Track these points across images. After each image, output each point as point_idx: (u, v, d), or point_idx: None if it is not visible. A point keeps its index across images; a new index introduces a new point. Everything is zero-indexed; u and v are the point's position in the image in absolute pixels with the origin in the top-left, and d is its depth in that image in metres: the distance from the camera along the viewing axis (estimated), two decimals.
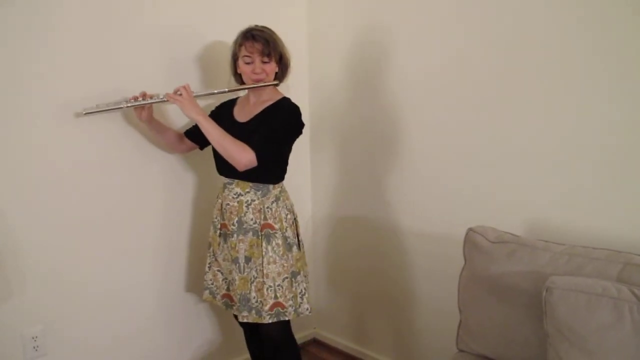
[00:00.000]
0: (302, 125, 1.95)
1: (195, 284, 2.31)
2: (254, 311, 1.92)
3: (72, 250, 1.95)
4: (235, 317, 2.12)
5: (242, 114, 2.00)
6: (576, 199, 1.79)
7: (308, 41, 2.65)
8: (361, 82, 2.45)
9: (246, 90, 2.06)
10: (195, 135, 2.06)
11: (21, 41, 1.77)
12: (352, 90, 2.50)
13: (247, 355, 2.30)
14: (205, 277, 2.11)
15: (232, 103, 2.09)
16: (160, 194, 2.19)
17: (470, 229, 1.76)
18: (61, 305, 1.94)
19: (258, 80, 1.93)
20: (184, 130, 2.13)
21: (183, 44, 2.18)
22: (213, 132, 1.83)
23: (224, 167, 1.94)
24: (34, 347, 1.88)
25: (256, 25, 1.93)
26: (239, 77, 2.00)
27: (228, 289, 2.05)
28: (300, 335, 2.75)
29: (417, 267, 2.32)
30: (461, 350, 1.77)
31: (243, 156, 1.81)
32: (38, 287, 1.88)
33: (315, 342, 2.87)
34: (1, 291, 1.80)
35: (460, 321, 1.78)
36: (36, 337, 1.88)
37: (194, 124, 2.06)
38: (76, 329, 1.98)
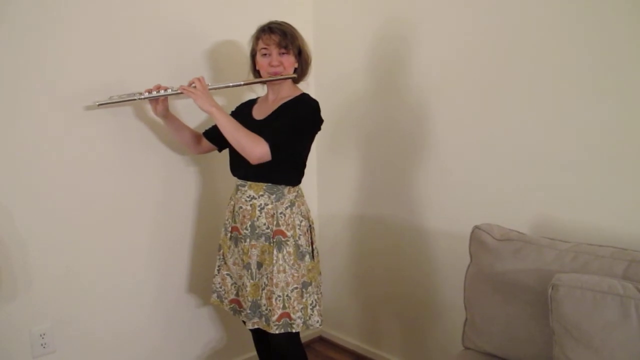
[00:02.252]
0: (320, 120, 1.89)
1: (198, 284, 2.32)
2: (263, 318, 1.88)
3: (79, 247, 1.96)
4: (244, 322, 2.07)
5: (260, 112, 1.95)
6: (582, 197, 1.79)
7: (313, 39, 2.65)
8: (367, 80, 2.45)
9: (265, 89, 2.02)
10: (213, 136, 2.04)
11: (28, 37, 1.77)
12: (358, 88, 2.50)
13: (252, 353, 2.30)
14: (213, 280, 2.06)
15: (252, 103, 2.05)
16: (164, 193, 2.19)
17: (476, 227, 1.76)
18: (70, 303, 1.95)
19: (275, 74, 1.87)
20: (202, 130, 2.11)
21: (189, 43, 2.19)
22: (226, 124, 1.77)
23: (238, 168, 1.91)
24: (42, 345, 1.89)
25: (275, 20, 1.90)
26: (257, 74, 1.96)
27: (237, 294, 2.00)
28: (306, 333, 2.76)
29: (424, 265, 2.32)
30: (467, 348, 1.78)
31: (256, 148, 1.74)
32: (45, 285, 1.89)
33: (322, 340, 2.87)
34: (9, 289, 1.82)
35: (466, 319, 1.78)
36: (44, 334, 1.89)
37: (212, 125, 2.06)
38: (84, 327, 2.00)
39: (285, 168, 1.86)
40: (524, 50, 1.88)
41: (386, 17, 2.33)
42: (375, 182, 2.49)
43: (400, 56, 2.28)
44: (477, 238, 1.73)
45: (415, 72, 2.24)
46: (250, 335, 2.19)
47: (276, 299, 1.83)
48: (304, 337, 2.65)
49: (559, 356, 1.40)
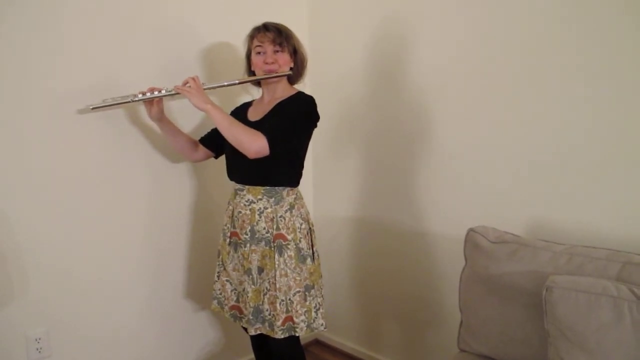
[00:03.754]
0: (316, 116, 1.87)
1: (196, 288, 2.32)
2: (266, 323, 1.86)
3: (75, 252, 1.95)
4: (245, 329, 2.04)
5: (255, 113, 1.93)
6: (576, 199, 1.79)
7: (309, 40, 2.65)
8: (365, 81, 2.46)
9: (260, 90, 2.01)
10: (210, 142, 2.03)
11: (22, 38, 1.77)
12: (356, 89, 2.50)
13: (250, 356, 2.30)
14: (213, 286, 2.03)
15: (247, 105, 2.03)
16: (159, 197, 2.18)
17: (470, 229, 1.76)
18: (65, 308, 1.95)
19: (270, 71, 1.85)
20: (199, 137, 2.09)
21: (183, 44, 2.18)
22: (222, 120, 1.74)
23: (235, 172, 1.90)
24: (37, 349, 1.89)
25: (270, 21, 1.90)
26: (253, 75, 1.94)
27: (237, 300, 1.96)
28: (302, 336, 2.76)
29: (422, 267, 2.31)
30: (462, 350, 1.78)
31: (254, 142, 1.71)
32: (41, 290, 1.88)
33: (318, 343, 2.87)
34: (4, 293, 1.81)
35: (461, 321, 1.78)
36: (39, 338, 1.88)
37: (208, 132, 2.06)
38: (80, 331, 1.99)
39: (283, 169, 1.85)
40: (522, 51, 1.88)
41: (384, 15, 2.33)
42: (372, 184, 2.49)
43: (399, 55, 2.28)
44: (472, 240, 1.73)
45: (415, 72, 2.23)
46: (247, 339, 2.18)
47: (280, 303, 1.82)
48: (301, 339, 2.64)
49: (554, 358, 1.40)
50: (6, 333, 1.83)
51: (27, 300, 1.86)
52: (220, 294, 2.01)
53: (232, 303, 1.98)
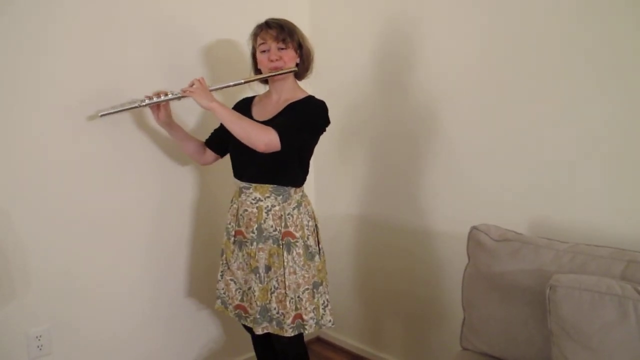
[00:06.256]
0: (327, 121, 1.85)
1: (197, 287, 2.31)
2: (274, 322, 1.84)
3: (77, 250, 1.95)
4: (246, 328, 2.03)
5: (263, 113, 1.89)
6: (580, 197, 1.79)
7: (312, 37, 2.62)
8: (369, 83, 2.45)
9: (266, 87, 1.98)
10: (214, 142, 2.02)
11: (23, 42, 1.77)
12: (359, 92, 2.49)
13: (251, 354, 2.29)
14: (217, 286, 2.00)
15: (248, 102, 2.00)
16: (162, 197, 2.18)
17: (473, 227, 1.75)
18: (67, 305, 1.94)
19: (275, 68, 1.82)
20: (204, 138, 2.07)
21: (184, 43, 2.18)
22: (229, 117, 1.73)
23: (243, 170, 1.87)
24: (38, 347, 1.88)
25: (272, 17, 1.87)
26: (259, 73, 1.91)
27: (242, 300, 1.93)
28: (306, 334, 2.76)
29: (425, 265, 2.31)
30: (465, 349, 1.77)
31: (264, 135, 1.69)
32: (42, 287, 1.88)
33: (320, 340, 2.87)
34: (6, 291, 1.81)
35: (464, 319, 1.77)
36: (40, 336, 1.88)
37: (211, 133, 2.04)
38: (81, 329, 1.99)
39: (291, 169, 1.84)
40: (525, 52, 1.87)
41: (388, 15, 2.31)
42: (375, 183, 2.48)
43: (405, 58, 2.27)
44: (475, 238, 1.73)
45: (420, 73, 2.21)
46: (248, 336, 2.17)
47: (289, 301, 1.81)
48: None
49: (557, 357, 1.40)
50: (7, 330, 1.83)
51: (29, 298, 1.86)
52: (224, 293, 1.98)
53: (237, 302, 1.94)
